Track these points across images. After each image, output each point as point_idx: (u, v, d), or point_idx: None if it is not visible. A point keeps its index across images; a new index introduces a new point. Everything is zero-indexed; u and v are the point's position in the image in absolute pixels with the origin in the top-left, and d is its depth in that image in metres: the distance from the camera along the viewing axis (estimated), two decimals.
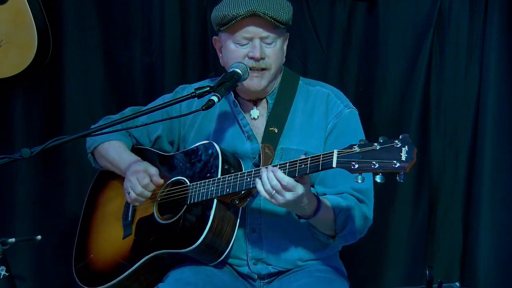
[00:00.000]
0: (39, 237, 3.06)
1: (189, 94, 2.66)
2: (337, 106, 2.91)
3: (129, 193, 2.91)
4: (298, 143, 2.86)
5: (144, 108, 2.91)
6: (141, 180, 2.88)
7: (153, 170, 2.92)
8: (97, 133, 2.65)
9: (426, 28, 3.57)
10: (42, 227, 3.88)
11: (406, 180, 2.31)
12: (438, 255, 3.68)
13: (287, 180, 2.52)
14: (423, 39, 3.57)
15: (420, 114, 3.61)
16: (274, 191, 2.54)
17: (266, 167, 2.59)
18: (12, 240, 2.91)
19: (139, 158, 3.03)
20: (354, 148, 2.38)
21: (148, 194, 2.90)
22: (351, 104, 2.96)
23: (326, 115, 2.90)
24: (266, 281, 2.91)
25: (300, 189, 2.54)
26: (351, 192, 2.79)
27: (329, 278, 2.86)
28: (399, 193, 3.66)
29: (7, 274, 2.88)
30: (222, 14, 2.80)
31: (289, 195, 2.54)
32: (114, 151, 3.07)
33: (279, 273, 2.90)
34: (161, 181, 2.92)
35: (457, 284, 2.61)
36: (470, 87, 3.58)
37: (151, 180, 2.89)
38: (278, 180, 2.53)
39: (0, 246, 2.87)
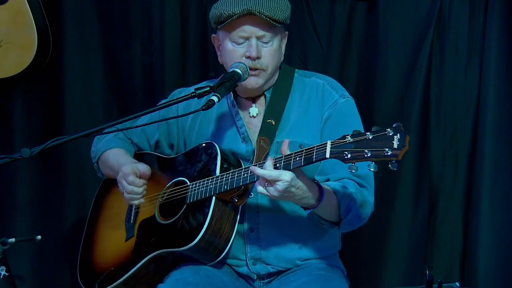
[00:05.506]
0: (39, 237, 3.05)
1: (189, 94, 2.66)
2: (332, 96, 2.91)
3: (123, 194, 2.93)
4: (294, 136, 2.85)
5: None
6: (126, 178, 2.89)
7: (141, 166, 2.91)
8: (97, 133, 2.64)
9: (426, 28, 3.56)
10: (42, 227, 3.89)
11: (398, 169, 2.32)
12: (438, 255, 3.67)
13: (268, 173, 2.50)
14: (423, 39, 3.57)
15: (420, 114, 3.60)
16: (266, 183, 2.53)
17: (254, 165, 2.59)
18: (12, 240, 2.91)
19: (134, 160, 3.02)
20: (347, 138, 2.39)
21: (138, 190, 2.90)
22: (347, 93, 2.95)
23: (322, 105, 2.90)
24: (265, 281, 2.91)
25: (286, 175, 2.49)
26: (351, 177, 2.77)
27: (329, 276, 2.86)
28: (399, 193, 3.66)
29: (7, 274, 2.87)
30: (219, 12, 2.81)
31: (280, 185, 2.50)
32: (113, 157, 3.07)
33: (278, 273, 2.90)
34: (147, 171, 2.90)
35: (457, 284, 2.60)
36: (470, 87, 3.57)
37: (137, 175, 2.89)
38: (260, 176, 2.52)
39: (0, 246, 2.87)
